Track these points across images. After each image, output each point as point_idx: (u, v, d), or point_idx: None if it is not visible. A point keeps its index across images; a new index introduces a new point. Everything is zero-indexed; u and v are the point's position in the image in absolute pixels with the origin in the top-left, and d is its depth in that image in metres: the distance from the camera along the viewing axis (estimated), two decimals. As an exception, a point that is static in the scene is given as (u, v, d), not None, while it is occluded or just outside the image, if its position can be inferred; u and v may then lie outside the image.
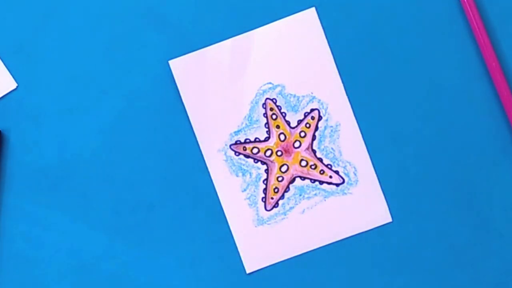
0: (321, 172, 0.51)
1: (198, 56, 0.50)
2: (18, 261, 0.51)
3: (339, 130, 0.50)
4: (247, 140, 0.51)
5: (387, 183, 0.50)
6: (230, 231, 0.51)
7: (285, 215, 0.51)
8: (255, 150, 0.51)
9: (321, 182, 0.51)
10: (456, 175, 0.50)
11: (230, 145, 0.51)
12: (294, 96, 0.51)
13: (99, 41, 0.51)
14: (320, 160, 0.51)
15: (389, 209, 0.50)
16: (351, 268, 0.50)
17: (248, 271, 0.51)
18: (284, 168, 0.51)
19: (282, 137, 0.51)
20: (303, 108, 0.51)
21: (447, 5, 0.50)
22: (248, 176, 0.51)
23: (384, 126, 0.50)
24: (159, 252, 0.50)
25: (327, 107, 0.50)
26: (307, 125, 0.51)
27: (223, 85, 0.51)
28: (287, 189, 0.51)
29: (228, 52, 0.50)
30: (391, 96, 0.50)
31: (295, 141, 0.51)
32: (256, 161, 0.51)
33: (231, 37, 0.50)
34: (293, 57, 0.50)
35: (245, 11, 0.50)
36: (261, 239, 0.51)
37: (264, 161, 0.51)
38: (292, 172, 0.51)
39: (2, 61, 0.51)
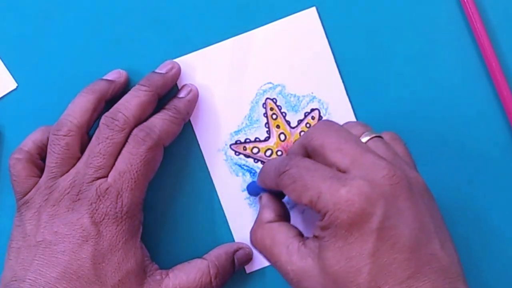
0: (321, 172, 0.51)
1: (198, 56, 0.50)
2: (19, 261, 0.51)
3: (339, 130, 0.50)
4: (247, 140, 0.51)
5: (387, 183, 0.50)
6: (230, 231, 0.51)
7: (285, 215, 0.51)
8: (255, 150, 0.51)
9: (321, 182, 0.51)
10: (456, 175, 0.50)
11: (230, 145, 0.51)
12: (295, 96, 0.51)
13: (99, 41, 0.51)
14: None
15: (389, 209, 0.50)
16: (351, 268, 0.50)
17: (248, 271, 0.51)
18: (284, 168, 0.51)
19: (282, 137, 0.51)
20: (304, 108, 0.51)
21: (447, 5, 0.50)
22: (248, 176, 0.51)
23: (384, 126, 0.50)
24: (159, 252, 0.50)
25: (327, 107, 0.50)
26: (308, 125, 0.51)
27: (223, 85, 0.51)
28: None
29: (228, 52, 0.50)
30: (392, 96, 0.50)
31: (295, 141, 0.51)
32: (256, 161, 0.51)
33: (231, 37, 0.50)
34: (293, 57, 0.50)
35: (245, 11, 0.50)
36: (261, 239, 0.51)
37: (264, 161, 0.51)
38: (292, 172, 0.51)
39: (2, 61, 0.51)
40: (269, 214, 0.44)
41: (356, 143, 0.41)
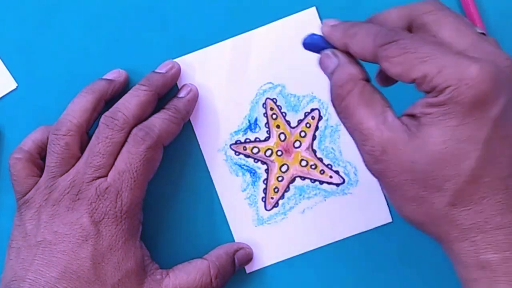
0: (321, 172, 0.51)
1: (198, 56, 0.50)
2: (19, 261, 0.51)
3: (339, 130, 0.50)
4: (247, 140, 0.51)
5: (387, 183, 0.50)
6: (230, 231, 0.51)
7: (285, 215, 0.51)
8: (255, 150, 0.51)
9: (321, 182, 0.51)
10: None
11: (230, 145, 0.51)
12: (295, 96, 0.51)
13: (99, 41, 0.51)
14: (320, 160, 0.51)
15: (389, 209, 0.50)
16: (351, 268, 0.50)
17: (248, 271, 0.51)
18: (284, 168, 0.51)
19: (282, 137, 0.51)
20: (303, 108, 0.51)
21: (447, 5, 0.50)
22: (248, 176, 0.51)
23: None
24: (159, 251, 0.50)
25: (327, 107, 0.50)
26: (307, 125, 0.51)
27: (223, 85, 0.51)
28: (287, 189, 0.51)
29: (228, 52, 0.50)
30: (391, 96, 0.50)
31: (295, 141, 0.51)
32: (256, 160, 0.51)
33: (231, 37, 0.50)
34: (293, 57, 0.50)
35: (245, 11, 0.50)
36: (261, 239, 0.51)
37: (264, 161, 0.51)
38: (292, 172, 0.51)
39: (2, 61, 0.51)
40: (360, 71, 0.39)
41: (475, 30, 0.38)
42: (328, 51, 0.41)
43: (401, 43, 0.37)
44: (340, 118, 0.39)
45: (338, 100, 0.39)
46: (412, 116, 0.37)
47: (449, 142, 0.35)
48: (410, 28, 0.40)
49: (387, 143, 0.37)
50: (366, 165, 0.38)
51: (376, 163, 0.37)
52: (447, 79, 0.35)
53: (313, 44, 0.42)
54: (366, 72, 0.40)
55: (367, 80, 0.40)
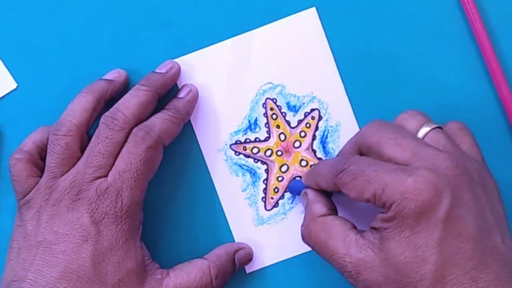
0: (321, 172, 0.51)
1: (198, 56, 0.50)
2: (19, 261, 0.51)
3: (339, 130, 0.50)
4: (247, 140, 0.51)
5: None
6: (230, 231, 0.51)
7: (285, 215, 0.51)
8: (255, 150, 0.51)
9: (321, 182, 0.51)
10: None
11: (230, 145, 0.51)
12: (294, 96, 0.51)
13: (99, 41, 0.51)
14: (320, 160, 0.51)
15: (389, 209, 0.50)
16: (351, 268, 0.50)
17: (248, 271, 0.51)
18: (284, 168, 0.51)
19: (282, 137, 0.51)
20: (303, 108, 0.51)
21: (447, 5, 0.50)
22: (248, 176, 0.51)
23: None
24: (159, 251, 0.50)
25: (327, 107, 0.50)
26: (307, 125, 0.51)
27: (223, 85, 0.51)
28: (287, 188, 0.51)
29: (228, 52, 0.50)
30: (391, 96, 0.50)
31: (295, 141, 0.51)
32: (256, 161, 0.51)
33: (231, 37, 0.50)
34: (293, 57, 0.50)
35: (245, 11, 0.50)
36: (261, 239, 0.51)
37: (264, 161, 0.51)
38: (292, 172, 0.51)
39: (2, 61, 0.51)
40: (320, 208, 0.45)
41: (413, 138, 0.42)
42: (303, 191, 0.48)
43: (350, 169, 0.41)
44: (316, 252, 0.44)
45: (305, 239, 0.44)
46: (376, 229, 0.40)
47: (407, 252, 0.38)
48: (361, 153, 0.43)
49: (358, 265, 0.40)
50: (351, 284, 0.42)
51: (357, 283, 0.41)
52: (390, 196, 0.39)
53: (295, 186, 0.50)
54: (327, 205, 0.45)
55: (326, 213, 0.44)
